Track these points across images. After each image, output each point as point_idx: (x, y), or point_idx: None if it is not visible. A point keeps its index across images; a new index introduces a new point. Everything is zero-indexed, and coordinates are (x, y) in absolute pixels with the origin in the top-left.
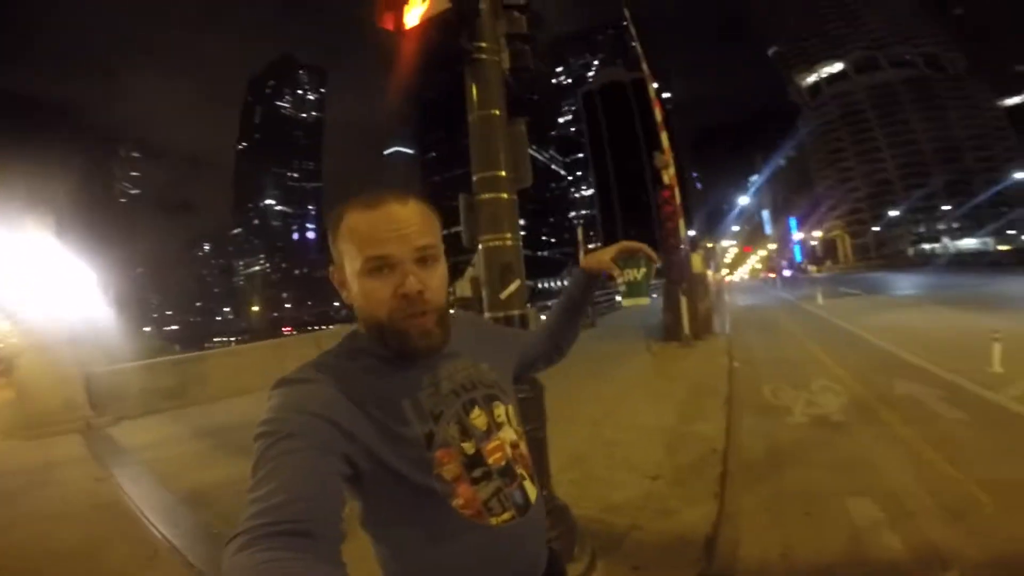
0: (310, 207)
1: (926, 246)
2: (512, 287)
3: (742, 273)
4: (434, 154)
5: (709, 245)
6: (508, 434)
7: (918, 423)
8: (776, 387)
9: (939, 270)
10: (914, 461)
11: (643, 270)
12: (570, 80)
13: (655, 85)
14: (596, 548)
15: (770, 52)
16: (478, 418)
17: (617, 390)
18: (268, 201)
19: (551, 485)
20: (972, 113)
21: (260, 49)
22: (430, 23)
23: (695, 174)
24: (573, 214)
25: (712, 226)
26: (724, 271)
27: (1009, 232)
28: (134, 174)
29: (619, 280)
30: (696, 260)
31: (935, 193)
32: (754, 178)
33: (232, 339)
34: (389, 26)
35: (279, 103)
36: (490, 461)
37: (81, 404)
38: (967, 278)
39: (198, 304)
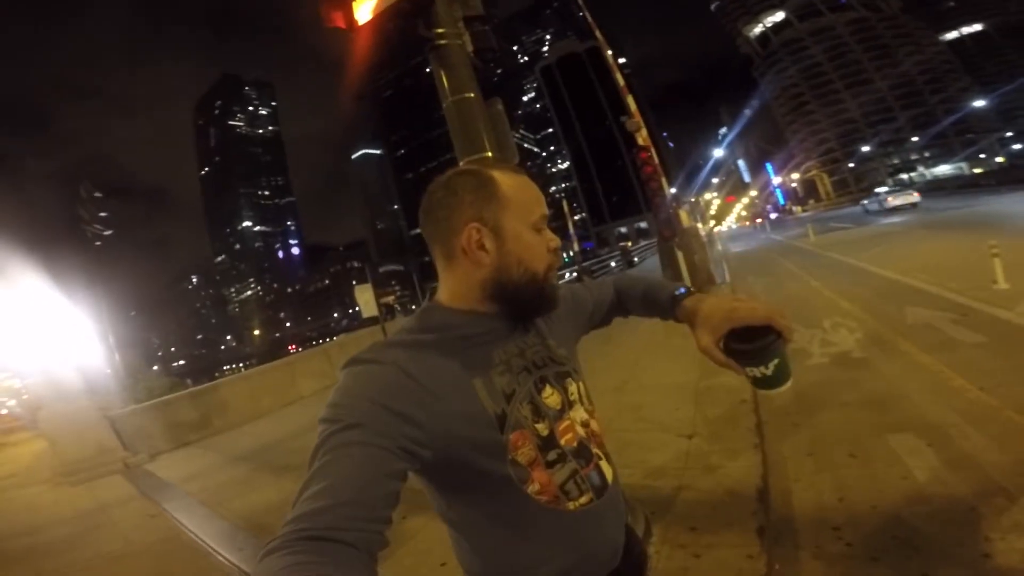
0: (288, 223)
1: (903, 175)
2: None
3: (730, 222)
4: (402, 151)
5: (691, 200)
6: (579, 413)
7: (939, 350)
8: None
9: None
10: (944, 391)
11: (776, 361)
12: (526, 58)
13: (610, 52)
14: (648, 515)
15: (712, 7)
16: (551, 397)
17: (633, 353)
18: (245, 223)
19: None
20: (917, 48)
21: (200, 75)
22: (384, 15)
23: (664, 133)
24: (553, 188)
25: (692, 181)
26: (712, 222)
27: (981, 156)
28: (102, 214)
29: (748, 373)
30: (683, 215)
31: (901, 127)
32: (723, 130)
33: (240, 365)
34: (340, 24)
35: (232, 123)
36: (563, 442)
37: (114, 446)
38: (949, 201)
39: (199, 337)
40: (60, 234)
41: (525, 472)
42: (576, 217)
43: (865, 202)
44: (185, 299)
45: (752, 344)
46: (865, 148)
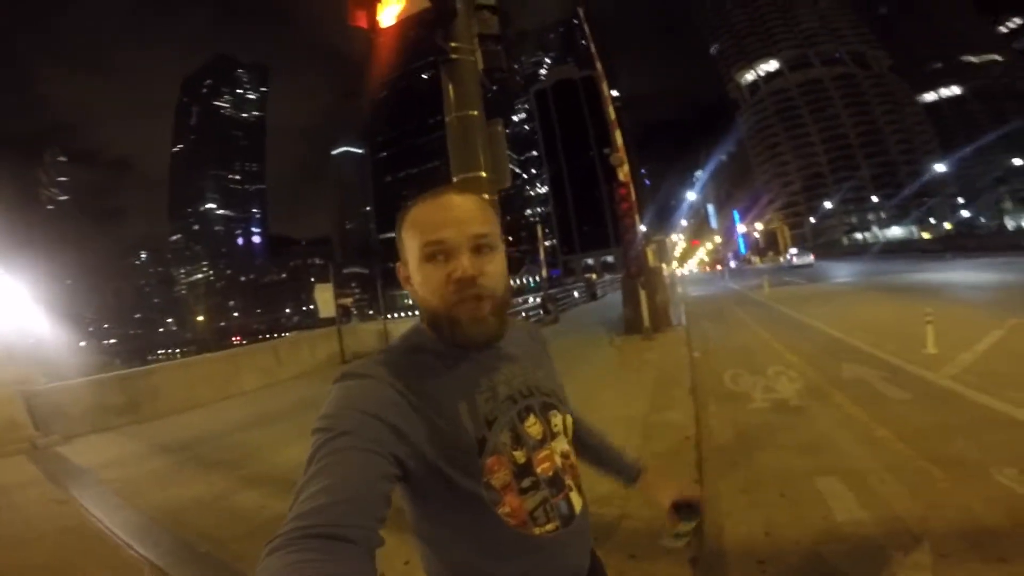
0: (254, 210)
1: (858, 235)
2: None
3: (691, 266)
4: (385, 154)
5: (661, 239)
6: (560, 444)
7: (868, 404)
8: (735, 374)
9: (871, 258)
10: (869, 440)
11: (693, 524)
12: (521, 79)
13: (606, 83)
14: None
15: (712, 50)
16: (533, 427)
17: (586, 383)
18: (209, 205)
19: None
20: (895, 108)
21: (193, 56)
22: (408, 22)
23: (643, 170)
24: (529, 212)
25: (662, 221)
26: (675, 264)
27: (931, 220)
28: (61, 179)
29: (673, 530)
30: (650, 254)
31: (864, 185)
32: (699, 173)
33: (177, 351)
34: (362, 24)
35: (217, 103)
36: (539, 471)
37: (23, 423)
38: (897, 265)
39: (137, 316)
40: (12, 194)
41: (497, 495)
42: (547, 243)
43: (782, 259)
44: (130, 275)
45: (691, 506)
46: (827, 204)
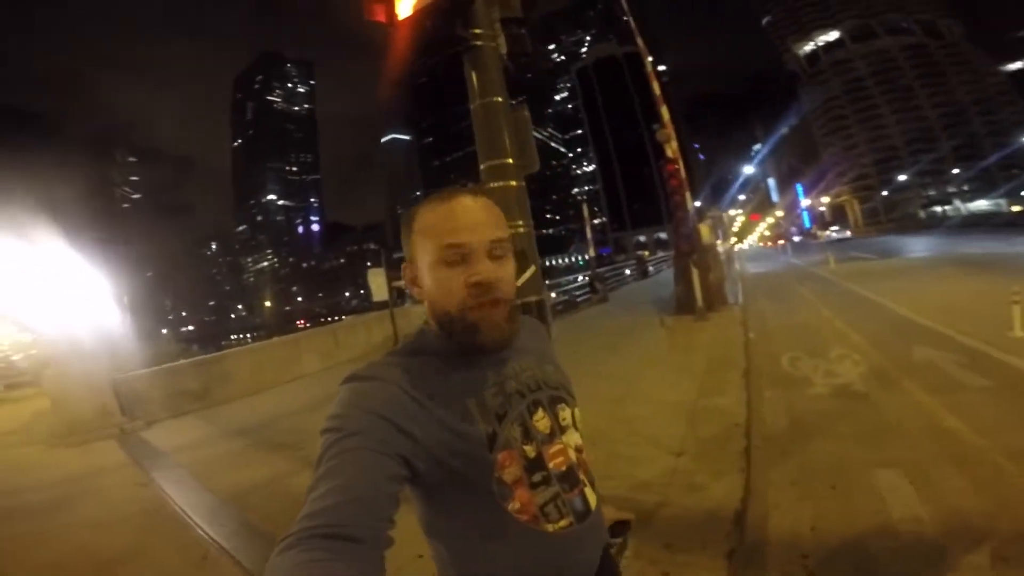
0: (312, 199)
1: (937, 208)
2: (527, 274)
3: (751, 241)
4: (431, 139)
5: (716, 214)
6: (572, 438)
7: (940, 391)
8: (794, 357)
9: (952, 232)
10: (938, 431)
11: (619, 540)
12: (563, 57)
13: (650, 59)
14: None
15: (764, 22)
16: (541, 420)
17: (634, 365)
18: (269, 196)
19: None
20: (974, 78)
21: (238, 51)
22: (423, 12)
23: (696, 145)
24: (576, 190)
25: (717, 196)
26: (732, 240)
27: (1023, 194)
28: (133, 178)
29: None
30: (704, 230)
31: (943, 157)
32: (757, 147)
33: (248, 336)
34: (380, 18)
35: (269, 98)
36: (551, 465)
37: (113, 410)
38: (981, 239)
39: (211, 303)
40: (94, 195)
41: (508, 490)
42: (596, 221)
43: (824, 234)
44: (202, 264)
45: (622, 523)
46: (902, 177)
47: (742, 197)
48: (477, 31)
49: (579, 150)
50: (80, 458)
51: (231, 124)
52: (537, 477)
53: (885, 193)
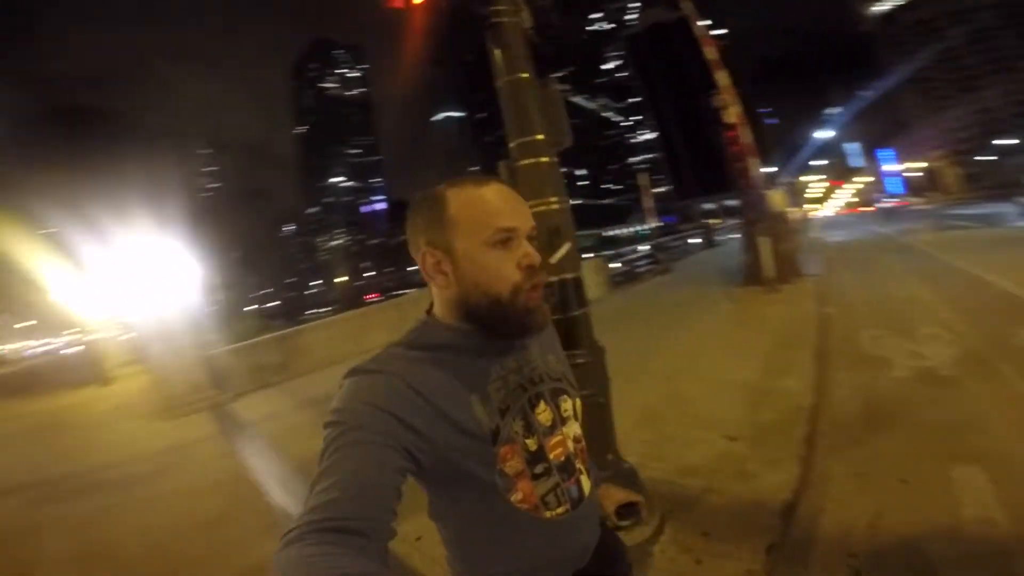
0: (375, 180)
1: None
2: (563, 250)
3: (833, 208)
4: (484, 114)
5: (790, 181)
6: (572, 428)
7: None
8: (875, 335)
9: None
10: None
11: (628, 522)
12: (614, 24)
13: (708, 22)
14: (666, 511)
15: None
16: (543, 413)
17: (694, 341)
18: (335, 179)
19: (617, 448)
20: None
21: (290, 39)
22: None
23: (768, 109)
24: (635, 159)
25: (793, 161)
26: (808, 206)
27: None
28: (211, 168)
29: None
30: (776, 198)
31: None
32: (834, 110)
33: (324, 310)
34: (398, 4)
35: (324, 85)
36: (551, 456)
37: (206, 385)
38: None
39: (290, 280)
40: (174, 186)
41: (511, 482)
42: (659, 190)
43: (877, 205)
44: (281, 245)
45: (630, 506)
46: (1005, 141)
47: (821, 163)
48: (498, 8)
49: (639, 118)
50: (177, 430)
51: (293, 111)
52: (539, 469)
53: (985, 158)
